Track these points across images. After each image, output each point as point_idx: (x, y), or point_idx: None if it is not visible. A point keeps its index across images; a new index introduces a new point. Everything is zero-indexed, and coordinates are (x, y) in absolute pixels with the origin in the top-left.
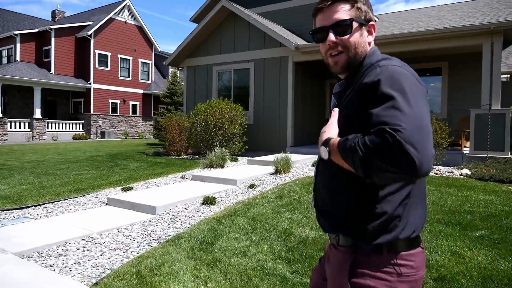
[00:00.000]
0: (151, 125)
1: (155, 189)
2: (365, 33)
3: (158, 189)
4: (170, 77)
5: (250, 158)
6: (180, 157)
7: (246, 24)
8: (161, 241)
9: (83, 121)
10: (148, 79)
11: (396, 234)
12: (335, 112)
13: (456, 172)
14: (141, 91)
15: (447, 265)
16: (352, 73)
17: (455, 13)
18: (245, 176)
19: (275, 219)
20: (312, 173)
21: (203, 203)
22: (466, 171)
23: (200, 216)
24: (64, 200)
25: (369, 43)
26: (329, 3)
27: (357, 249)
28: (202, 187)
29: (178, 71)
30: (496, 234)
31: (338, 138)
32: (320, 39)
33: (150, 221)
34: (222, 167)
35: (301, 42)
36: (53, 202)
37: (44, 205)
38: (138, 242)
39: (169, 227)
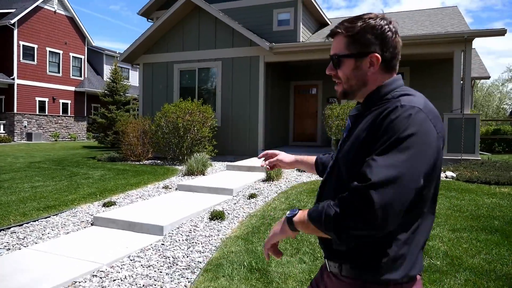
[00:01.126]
0: (85, 125)
1: (143, 203)
2: (365, 65)
3: (147, 203)
4: (110, 74)
5: (228, 163)
6: (141, 163)
7: (212, 20)
8: (197, 271)
9: (4, 122)
10: (81, 76)
11: (406, 271)
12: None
13: (442, 175)
14: (72, 88)
15: None
16: (366, 101)
17: (411, 21)
18: (238, 185)
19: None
20: (303, 179)
21: (211, 219)
22: (451, 173)
23: (218, 235)
24: (35, 221)
25: (373, 74)
26: (331, 35)
27: (360, 280)
28: (196, 199)
29: (119, 68)
30: None
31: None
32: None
33: (162, 244)
34: (203, 174)
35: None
36: (21, 225)
37: (10, 229)
38: (166, 273)
39: (191, 251)
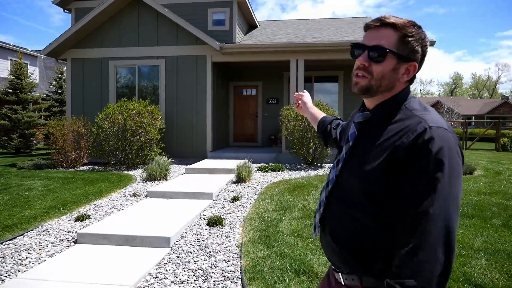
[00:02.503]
0: None
1: (123, 214)
2: (402, 70)
3: (127, 214)
4: (12, 70)
5: (186, 166)
6: (77, 169)
7: (153, 14)
8: (238, 281)
9: None
10: None
11: None
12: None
13: None
14: None
15: None
16: (382, 109)
17: (335, 28)
18: (215, 189)
19: None
20: (270, 179)
21: (210, 225)
22: None
23: (230, 242)
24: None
25: (403, 82)
26: (378, 24)
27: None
28: (177, 205)
29: (24, 62)
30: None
31: None
32: (355, 55)
33: (178, 257)
34: (166, 179)
35: None
36: None
37: None
38: None
39: (215, 261)
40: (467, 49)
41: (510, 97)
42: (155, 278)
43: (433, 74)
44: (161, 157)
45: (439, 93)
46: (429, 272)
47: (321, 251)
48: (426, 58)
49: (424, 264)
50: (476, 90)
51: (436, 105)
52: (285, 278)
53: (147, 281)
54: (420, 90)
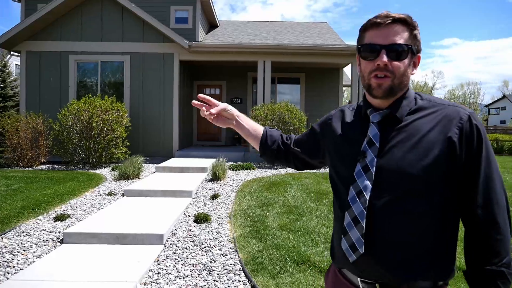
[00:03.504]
0: None
1: (105, 213)
2: (411, 64)
3: (109, 213)
4: None
5: (156, 165)
6: (36, 168)
7: (118, 8)
8: (241, 273)
9: None
10: None
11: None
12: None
13: None
14: None
15: None
16: (402, 104)
17: (295, 31)
18: (193, 186)
19: (311, 223)
20: (244, 177)
21: (197, 222)
22: None
23: (222, 237)
24: None
25: (410, 76)
26: (389, 21)
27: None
28: (158, 203)
29: None
30: None
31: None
32: (368, 56)
33: (174, 253)
34: (139, 177)
35: None
36: None
37: None
38: (214, 280)
39: (214, 256)
40: None
41: None
42: (158, 274)
43: None
44: (135, 156)
45: None
46: (510, 242)
47: (313, 242)
48: None
49: (508, 238)
50: None
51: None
52: (288, 267)
53: (150, 277)
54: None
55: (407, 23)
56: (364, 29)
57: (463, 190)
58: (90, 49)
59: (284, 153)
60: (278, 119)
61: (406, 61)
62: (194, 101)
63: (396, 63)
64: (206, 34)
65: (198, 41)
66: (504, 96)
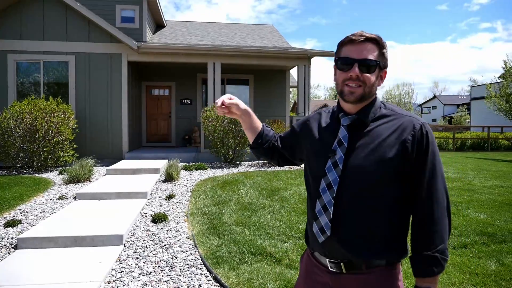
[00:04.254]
0: None
1: (59, 217)
2: (379, 77)
3: (63, 217)
4: None
5: (107, 167)
6: None
7: (61, 6)
8: (202, 267)
9: None
10: None
11: (408, 248)
12: None
13: None
14: None
15: None
16: (368, 111)
17: (242, 33)
18: (146, 188)
19: (275, 221)
20: (197, 177)
21: (155, 222)
22: None
23: (181, 235)
24: None
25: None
26: (362, 39)
27: (385, 265)
28: (114, 205)
29: None
30: None
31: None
32: (343, 68)
33: (135, 252)
34: (89, 180)
35: None
36: None
37: None
38: (177, 275)
39: (174, 252)
40: None
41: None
42: (121, 272)
43: (320, 80)
44: (84, 159)
45: (325, 97)
46: (446, 233)
47: (267, 235)
48: None
49: (444, 229)
50: None
51: (324, 107)
52: (246, 259)
53: (114, 276)
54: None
55: (378, 43)
56: (341, 45)
57: (412, 187)
58: (31, 48)
59: (270, 150)
60: (229, 120)
61: (375, 74)
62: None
63: (367, 75)
64: (153, 34)
65: (146, 41)
66: (434, 96)
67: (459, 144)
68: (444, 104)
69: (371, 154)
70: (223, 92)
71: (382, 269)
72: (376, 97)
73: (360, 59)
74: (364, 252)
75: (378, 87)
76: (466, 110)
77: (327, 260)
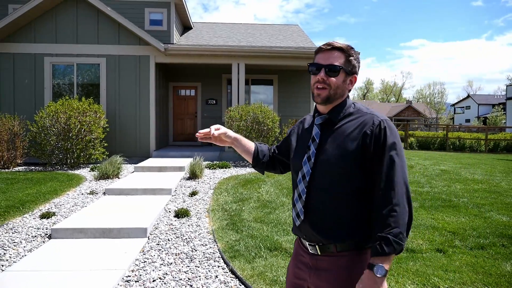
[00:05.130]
0: None
1: (89, 211)
2: (347, 81)
3: (92, 210)
4: None
5: (135, 165)
6: (12, 170)
7: (93, 11)
8: (220, 260)
9: None
10: None
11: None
12: None
13: None
14: None
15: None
16: (337, 111)
17: (267, 34)
18: (171, 185)
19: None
20: (221, 175)
21: (178, 217)
22: None
23: (202, 230)
24: None
25: (349, 90)
26: (329, 48)
27: (354, 249)
28: (139, 201)
29: None
30: None
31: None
32: (314, 72)
33: (157, 244)
34: (118, 177)
35: None
36: None
37: None
38: (196, 266)
39: (195, 246)
40: (375, 57)
41: (413, 101)
42: (144, 262)
43: None
44: (114, 156)
45: (354, 97)
46: (403, 220)
47: (284, 232)
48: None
49: (400, 215)
50: (385, 95)
51: None
52: (262, 253)
53: (137, 265)
54: None
55: (344, 51)
56: (315, 53)
57: (372, 178)
58: (65, 51)
59: (271, 162)
60: (252, 120)
61: (340, 77)
62: (197, 135)
63: (332, 78)
64: (180, 36)
65: (173, 43)
66: (468, 96)
67: (492, 146)
68: (479, 104)
69: (337, 148)
70: (247, 93)
71: (352, 253)
72: (346, 99)
73: (326, 65)
74: (331, 235)
75: (348, 90)
76: (502, 110)
77: (306, 243)
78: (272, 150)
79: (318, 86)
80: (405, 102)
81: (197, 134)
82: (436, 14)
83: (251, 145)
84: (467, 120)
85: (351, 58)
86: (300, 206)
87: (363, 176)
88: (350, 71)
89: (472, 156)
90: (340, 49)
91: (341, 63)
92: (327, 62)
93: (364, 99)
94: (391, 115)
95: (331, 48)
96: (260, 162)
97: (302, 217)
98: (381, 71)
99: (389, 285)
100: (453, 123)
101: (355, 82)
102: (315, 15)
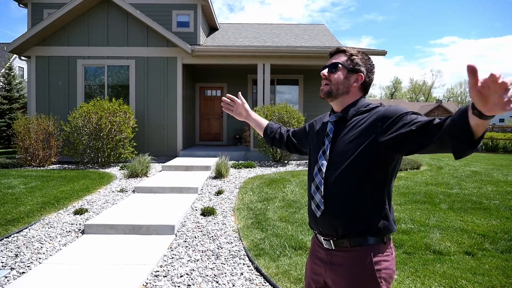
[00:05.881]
0: None
1: (119, 208)
2: (352, 78)
3: (122, 207)
4: None
5: (163, 164)
6: (47, 168)
7: (123, 15)
8: (245, 257)
9: None
10: None
11: (392, 229)
12: None
13: None
14: None
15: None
16: (349, 109)
17: (292, 34)
18: (198, 184)
19: None
20: (246, 175)
21: (204, 215)
22: None
23: (227, 228)
24: (7, 237)
25: (357, 89)
26: (334, 51)
27: (367, 244)
28: (167, 199)
29: None
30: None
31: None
32: (322, 71)
33: (184, 241)
34: (147, 175)
35: None
36: None
37: None
38: (222, 263)
39: (221, 243)
40: (403, 55)
41: (443, 101)
42: (172, 258)
43: (376, 78)
44: (142, 155)
45: (381, 96)
46: None
47: (309, 231)
48: (374, 70)
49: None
50: (414, 94)
51: None
52: (286, 252)
53: (165, 261)
54: None
55: (345, 52)
56: (330, 57)
57: (404, 143)
58: (97, 54)
59: (280, 139)
60: (278, 119)
61: (341, 74)
62: (224, 98)
63: (333, 75)
64: (206, 37)
65: (199, 44)
66: None
67: None
68: None
69: (350, 141)
70: (272, 93)
71: (366, 248)
72: (358, 99)
73: (328, 64)
74: (345, 227)
75: (356, 88)
76: None
77: (322, 238)
78: (289, 132)
79: (323, 83)
80: (435, 101)
81: (223, 97)
82: (469, 9)
83: (263, 121)
84: (501, 120)
85: (354, 57)
86: (319, 197)
87: (377, 167)
88: (352, 68)
89: (506, 157)
90: (343, 51)
91: (341, 61)
92: (330, 62)
93: (391, 98)
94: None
95: (336, 51)
96: (268, 137)
97: (322, 207)
98: (410, 70)
99: (415, 287)
100: None
101: (361, 81)
102: (341, 14)
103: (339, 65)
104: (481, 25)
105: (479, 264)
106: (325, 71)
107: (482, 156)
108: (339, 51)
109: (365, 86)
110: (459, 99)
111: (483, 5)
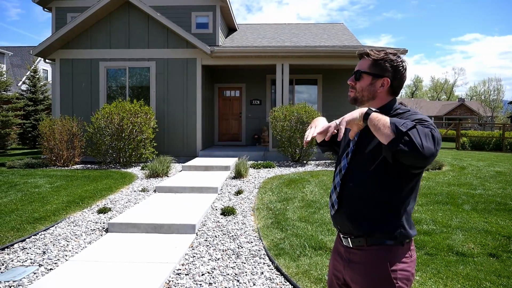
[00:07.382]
0: None
1: (141, 207)
2: (378, 84)
3: (144, 207)
4: None
5: (183, 164)
6: (71, 168)
7: (144, 17)
8: (265, 257)
9: None
10: None
11: (412, 232)
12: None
13: None
14: None
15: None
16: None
17: (311, 33)
18: (217, 183)
19: None
20: (265, 175)
21: (224, 215)
22: None
23: (247, 227)
24: (35, 235)
25: (384, 93)
26: (359, 55)
27: (385, 245)
28: (187, 198)
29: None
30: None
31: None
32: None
33: (205, 240)
34: (167, 175)
35: None
36: (24, 240)
37: (14, 246)
38: (242, 262)
39: (240, 243)
40: (424, 53)
41: (466, 99)
42: (193, 257)
43: None
44: (162, 156)
45: (401, 95)
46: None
47: (329, 232)
48: (405, 73)
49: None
50: (435, 93)
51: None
52: (306, 252)
53: (187, 259)
54: None
55: (369, 55)
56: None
57: None
58: (118, 56)
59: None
60: (296, 120)
61: (365, 81)
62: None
63: (358, 82)
64: (225, 38)
65: (218, 45)
66: None
67: None
68: None
69: (371, 147)
70: (291, 93)
71: (382, 248)
72: (387, 103)
73: (353, 72)
74: (361, 227)
75: (383, 93)
76: None
77: (341, 235)
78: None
79: (349, 89)
80: (457, 100)
81: (314, 134)
82: (491, 5)
83: None
84: None
85: (380, 62)
86: (335, 197)
87: (395, 177)
88: (378, 74)
89: None
90: (366, 54)
91: (365, 67)
92: (356, 68)
93: (412, 97)
94: (442, 114)
95: (361, 54)
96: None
97: (336, 207)
98: (431, 68)
99: None
100: (511, 122)
101: (388, 85)
102: (360, 12)
103: (362, 73)
104: (505, 21)
105: (504, 267)
106: (351, 79)
107: (507, 157)
108: (363, 54)
109: (394, 89)
110: (483, 98)
111: (505, 0)
